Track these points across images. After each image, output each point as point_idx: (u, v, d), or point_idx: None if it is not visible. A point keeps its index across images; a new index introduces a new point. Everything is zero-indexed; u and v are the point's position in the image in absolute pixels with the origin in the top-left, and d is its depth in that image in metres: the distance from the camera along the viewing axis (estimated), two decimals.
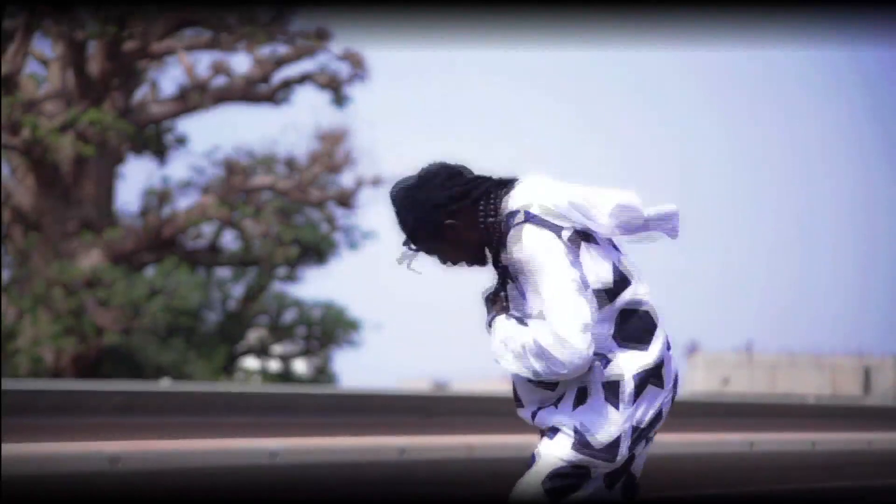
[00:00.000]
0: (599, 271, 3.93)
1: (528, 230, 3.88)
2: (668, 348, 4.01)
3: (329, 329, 31.74)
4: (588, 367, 3.84)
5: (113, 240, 26.19)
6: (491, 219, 3.93)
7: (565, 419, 3.92)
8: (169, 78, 50.05)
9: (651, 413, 3.99)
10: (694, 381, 42.69)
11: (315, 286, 41.21)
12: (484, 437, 7.71)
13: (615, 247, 4.02)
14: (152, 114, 27.48)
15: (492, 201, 3.94)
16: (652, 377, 3.97)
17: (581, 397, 3.93)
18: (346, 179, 29.59)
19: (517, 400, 4.06)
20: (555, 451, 3.91)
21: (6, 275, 26.92)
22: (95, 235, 26.02)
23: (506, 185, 3.96)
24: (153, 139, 28.45)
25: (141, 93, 27.65)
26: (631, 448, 3.96)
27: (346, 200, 29.65)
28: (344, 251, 30.78)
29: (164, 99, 27.62)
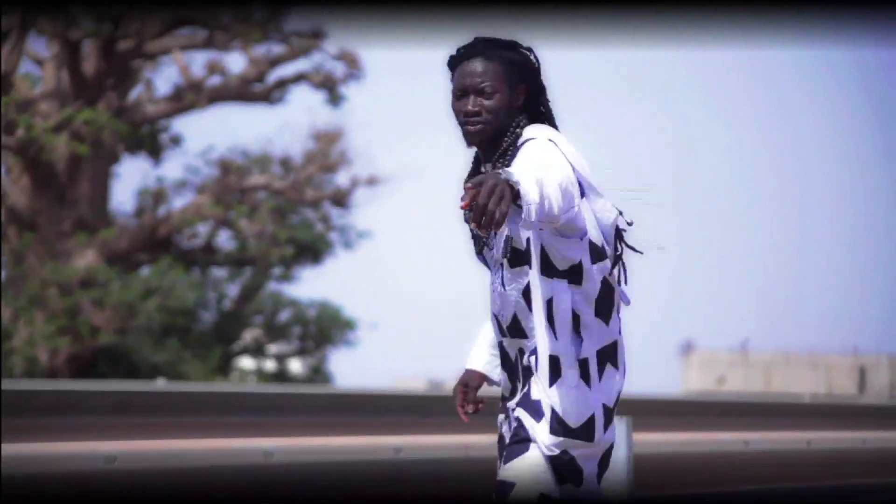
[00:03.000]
0: (592, 222, 3.83)
1: (542, 139, 3.81)
2: (620, 332, 3.92)
3: (324, 329, 31.73)
4: (561, 215, 3.58)
5: (108, 240, 26.18)
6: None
7: (543, 398, 3.79)
8: (164, 77, 49.99)
9: (615, 393, 3.87)
10: (689, 381, 42.71)
11: (310, 286, 41.32)
12: (479, 437, 7.71)
13: None
14: (147, 113, 27.46)
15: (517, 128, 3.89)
16: (610, 357, 3.86)
17: (555, 371, 3.80)
18: (342, 179, 29.61)
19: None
20: (540, 438, 3.77)
21: (1, 275, 26.90)
22: (90, 235, 26.00)
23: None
24: (148, 139, 28.42)
25: (136, 92, 27.63)
26: (605, 428, 3.83)
27: (341, 200, 29.65)
28: (339, 251, 30.79)
29: (158, 98, 27.61)
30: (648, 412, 8.95)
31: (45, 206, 25.82)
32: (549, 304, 3.80)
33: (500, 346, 3.97)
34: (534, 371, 3.83)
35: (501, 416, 4.03)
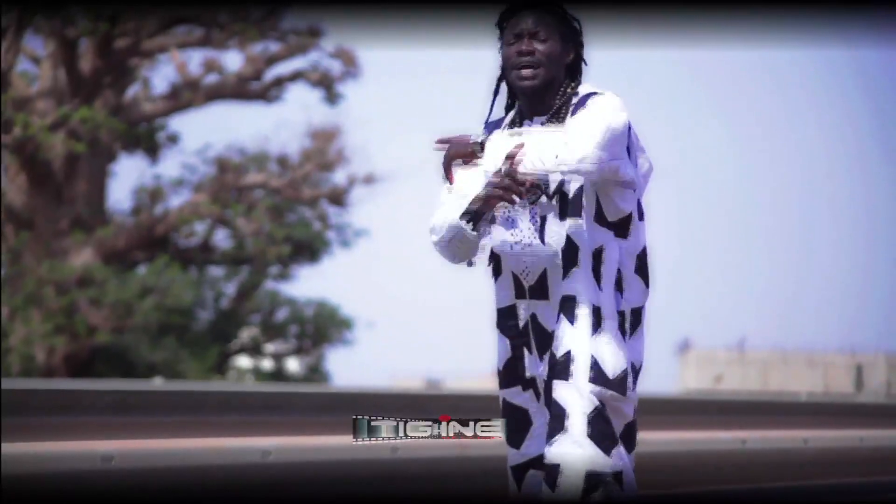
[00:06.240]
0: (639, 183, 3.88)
1: (608, 93, 3.83)
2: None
3: (322, 327, 31.72)
4: (599, 169, 3.67)
5: (105, 238, 26.16)
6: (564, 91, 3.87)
7: (583, 346, 3.76)
8: (161, 76, 49.80)
9: (643, 356, 3.87)
10: (686, 379, 42.71)
11: (308, 284, 41.21)
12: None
13: None
14: (144, 112, 27.45)
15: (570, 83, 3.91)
16: (640, 321, 3.86)
17: (597, 321, 3.77)
18: (339, 177, 29.60)
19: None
20: (575, 399, 3.73)
21: None
22: (87, 234, 25.99)
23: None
24: (145, 137, 28.42)
25: (133, 90, 27.62)
26: (633, 386, 3.80)
27: (338, 198, 29.64)
28: (336, 249, 30.78)
29: (155, 97, 27.60)
30: (645, 410, 8.94)
31: (42, 204, 25.81)
32: (596, 255, 3.79)
33: (512, 311, 3.89)
34: (571, 323, 3.77)
35: (516, 389, 3.92)
